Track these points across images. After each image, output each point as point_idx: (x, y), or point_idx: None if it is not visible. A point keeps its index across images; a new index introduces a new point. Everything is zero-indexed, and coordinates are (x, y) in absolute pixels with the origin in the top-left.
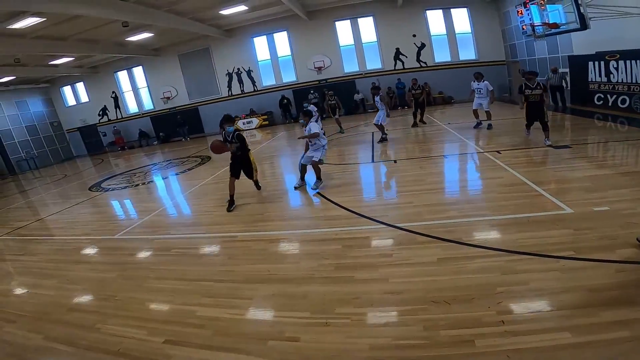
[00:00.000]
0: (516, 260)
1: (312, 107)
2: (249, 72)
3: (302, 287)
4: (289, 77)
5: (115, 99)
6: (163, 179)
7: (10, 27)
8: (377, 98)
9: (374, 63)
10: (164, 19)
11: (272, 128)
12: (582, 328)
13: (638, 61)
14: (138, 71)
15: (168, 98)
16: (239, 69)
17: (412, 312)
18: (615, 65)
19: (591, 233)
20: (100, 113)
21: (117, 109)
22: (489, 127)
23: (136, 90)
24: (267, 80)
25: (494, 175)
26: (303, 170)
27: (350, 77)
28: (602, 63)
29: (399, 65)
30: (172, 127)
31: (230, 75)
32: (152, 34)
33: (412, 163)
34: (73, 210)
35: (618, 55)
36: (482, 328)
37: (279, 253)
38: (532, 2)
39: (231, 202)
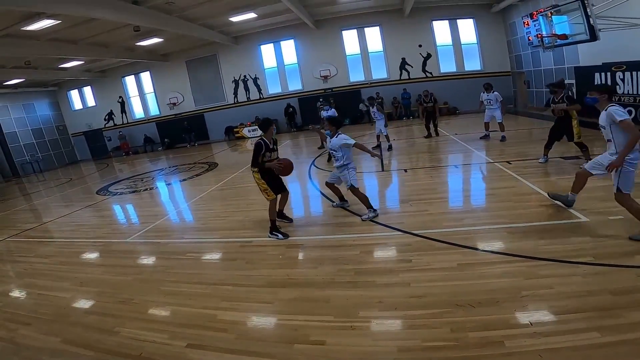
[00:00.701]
0: (538, 266)
1: (332, 112)
2: (255, 80)
3: (324, 291)
4: (295, 85)
5: (122, 103)
6: (171, 184)
7: (24, 28)
8: (373, 109)
9: (379, 73)
10: (175, 25)
11: (277, 136)
12: (611, 328)
13: None
14: (145, 76)
15: (174, 104)
16: (245, 76)
17: (437, 315)
18: (621, 77)
19: (609, 240)
20: (106, 118)
21: (123, 114)
22: (503, 139)
23: (143, 96)
24: (273, 88)
25: (506, 184)
26: (333, 188)
27: (355, 87)
28: (609, 74)
29: (405, 75)
30: (178, 133)
31: (236, 82)
32: (162, 40)
33: (422, 172)
34: (82, 213)
35: (625, 67)
36: (510, 329)
37: (297, 258)
38: (541, 14)
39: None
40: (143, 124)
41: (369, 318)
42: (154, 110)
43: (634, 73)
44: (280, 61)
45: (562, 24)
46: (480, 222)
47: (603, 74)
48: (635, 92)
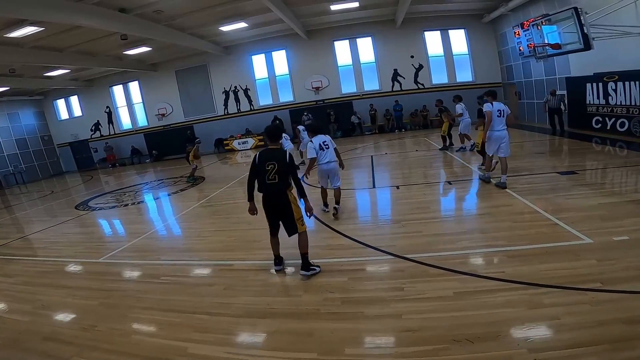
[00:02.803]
0: (541, 294)
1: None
2: (246, 91)
3: (307, 323)
4: (286, 96)
5: (109, 114)
6: (154, 199)
7: (7, 35)
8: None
9: (371, 84)
10: (164, 34)
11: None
12: None
13: (637, 82)
14: (134, 86)
15: (163, 115)
16: (236, 87)
17: (432, 353)
18: (613, 87)
19: (616, 263)
20: (93, 128)
21: (110, 125)
22: (472, 148)
23: (131, 106)
24: (264, 99)
25: (502, 202)
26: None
27: (347, 98)
28: (601, 85)
29: (397, 87)
30: (166, 144)
31: (227, 93)
32: (150, 49)
33: (415, 189)
34: (57, 230)
35: (617, 77)
36: None
37: (279, 284)
38: (533, 23)
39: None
40: (130, 135)
41: (356, 356)
42: (142, 121)
43: (627, 83)
44: (271, 72)
45: (552, 34)
46: (477, 244)
47: (595, 84)
48: (628, 103)
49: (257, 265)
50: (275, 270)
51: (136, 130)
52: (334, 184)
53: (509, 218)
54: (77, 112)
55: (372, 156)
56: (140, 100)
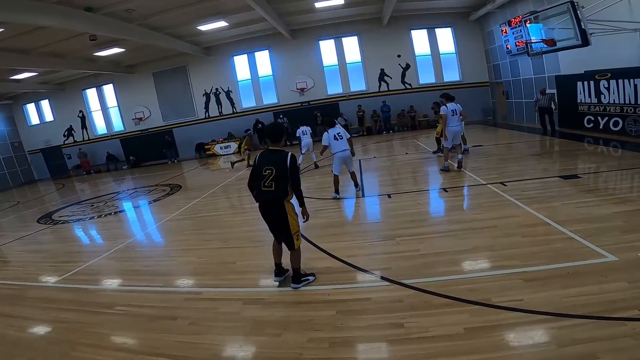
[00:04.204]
0: (571, 327)
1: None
2: (227, 93)
3: None
4: (270, 98)
5: (83, 118)
6: (123, 211)
7: None
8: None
9: (358, 84)
10: (137, 34)
11: (252, 153)
12: None
13: (631, 80)
14: (108, 89)
15: (140, 119)
16: (217, 89)
17: None
18: (606, 85)
19: None
20: (66, 134)
21: (84, 130)
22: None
23: (105, 110)
24: (247, 101)
25: (507, 213)
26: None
27: (334, 99)
28: (592, 83)
29: (384, 87)
30: (144, 150)
31: (207, 95)
32: (124, 50)
33: (408, 198)
34: (12, 247)
35: (609, 74)
36: None
37: (254, 320)
38: (524, 19)
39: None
40: (106, 140)
41: None
42: (117, 125)
43: (619, 81)
44: (254, 73)
45: (543, 31)
46: (486, 265)
47: (586, 82)
48: (621, 102)
49: (229, 293)
50: (275, 281)
51: (111, 136)
52: (349, 168)
53: (518, 231)
54: (49, 117)
55: (360, 160)
56: (116, 104)
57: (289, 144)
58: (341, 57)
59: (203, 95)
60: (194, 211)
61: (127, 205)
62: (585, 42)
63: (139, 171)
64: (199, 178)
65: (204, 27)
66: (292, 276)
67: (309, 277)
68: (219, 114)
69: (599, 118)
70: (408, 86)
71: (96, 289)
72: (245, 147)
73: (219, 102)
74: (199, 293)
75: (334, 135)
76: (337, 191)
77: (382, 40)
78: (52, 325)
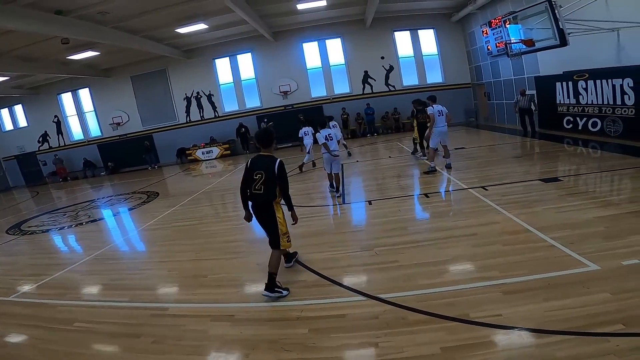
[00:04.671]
0: (553, 343)
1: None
2: (209, 97)
3: None
4: (253, 102)
5: (58, 124)
6: (96, 220)
7: None
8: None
9: (342, 87)
10: (112, 37)
11: (234, 158)
12: None
13: (609, 81)
14: (84, 93)
15: (118, 124)
16: (198, 92)
17: None
18: (584, 86)
19: (635, 297)
20: (40, 139)
21: (60, 135)
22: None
23: (82, 115)
24: (230, 105)
25: (488, 219)
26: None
27: (317, 102)
28: (571, 84)
29: (368, 89)
30: (123, 156)
31: (188, 99)
32: (98, 53)
33: (389, 205)
34: None
35: (587, 75)
36: None
37: (222, 338)
38: (504, 19)
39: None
40: (82, 146)
41: None
42: (94, 131)
43: (597, 82)
44: (236, 76)
45: (521, 32)
46: (465, 277)
47: (564, 83)
48: (599, 102)
49: (197, 309)
50: (285, 267)
51: (88, 141)
52: (334, 170)
53: (499, 239)
54: (23, 122)
55: (342, 165)
56: (92, 109)
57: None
58: (325, 59)
59: (184, 99)
60: (169, 220)
61: (99, 215)
62: (563, 42)
63: (117, 177)
64: (179, 184)
65: (183, 30)
66: (266, 282)
67: (283, 292)
68: (200, 119)
69: (578, 119)
70: (392, 88)
71: (57, 304)
72: None
73: (200, 106)
74: (165, 309)
75: (326, 136)
76: (331, 185)
77: (365, 42)
78: (5, 341)
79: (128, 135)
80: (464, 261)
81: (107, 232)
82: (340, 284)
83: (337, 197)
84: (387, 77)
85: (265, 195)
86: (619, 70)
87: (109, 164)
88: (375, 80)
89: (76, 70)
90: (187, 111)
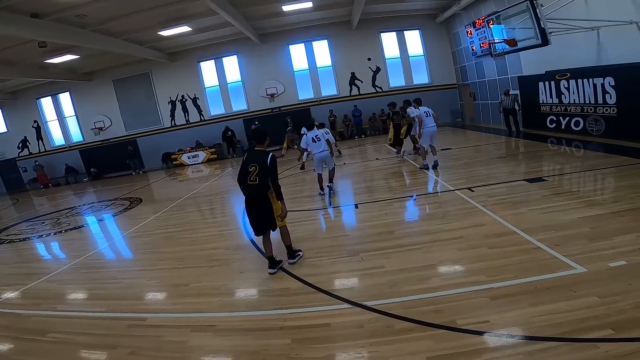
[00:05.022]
0: (541, 351)
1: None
2: (194, 100)
3: None
4: (240, 105)
5: (38, 129)
6: (74, 229)
7: None
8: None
9: (329, 89)
10: (91, 40)
11: (221, 162)
12: None
13: (590, 80)
14: (65, 98)
15: (100, 129)
16: (183, 96)
17: None
18: (566, 85)
19: (623, 300)
20: (20, 145)
21: (40, 141)
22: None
23: (62, 120)
24: (216, 108)
25: (474, 221)
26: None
27: (305, 104)
28: (553, 83)
29: (355, 91)
30: (107, 161)
31: (173, 103)
32: (78, 56)
33: (376, 208)
34: None
35: (569, 74)
36: None
37: (202, 350)
38: (487, 19)
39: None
40: (64, 151)
41: None
42: (76, 136)
43: (579, 81)
44: (222, 79)
45: (504, 32)
46: (452, 282)
47: (547, 83)
48: (581, 102)
49: (177, 319)
50: (269, 273)
51: (70, 147)
52: (329, 167)
53: (485, 242)
54: (1, 127)
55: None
56: (73, 113)
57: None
58: (312, 61)
59: (168, 102)
60: (152, 227)
61: (80, 222)
62: (545, 41)
63: (100, 183)
64: (164, 190)
65: (166, 33)
66: (287, 253)
67: (300, 252)
68: (185, 122)
69: (561, 118)
70: (379, 90)
71: (31, 314)
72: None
73: (185, 110)
74: (143, 319)
75: (312, 138)
76: (321, 188)
77: (352, 44)
78: None
79: (111, 140)
80: (450, 265)
81: (87, 240)
82: (325, 292)
83: (328, 186)
84: (374, 79)
85: (260, 186)
86: (599, 69)
87: (92, 170)
88: (362, 82)
89: (55, 74)
90: (172, 115)
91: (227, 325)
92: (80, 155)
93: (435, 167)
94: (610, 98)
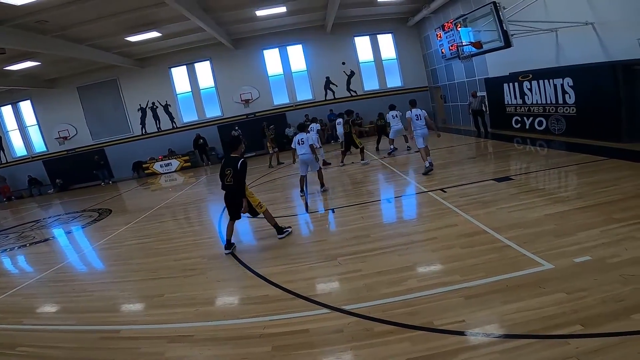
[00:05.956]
0: (515, 349)
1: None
2: (166, 107)
3: None
4: (213, 111)
5: None
6: (39, 243)
7: None
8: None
9: (304, 94)
10: (54, 46)
11: (195, 170)
12: None
13: (551, 80)
14: (25, 106)
15: (65, 138)
16: (154, 103)
17: None
18: (528, 86)
19: (589, 295)
20: None
21: (1, 152)
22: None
23: (24, 129)
24: (188, 115)
25: (447, 222)
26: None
27: (280, 110)
28: (516, 84)
29: (330, 95)
30: (73, 172)
31: (143, 110)
32: (39, 63)
33: (352, 211)
34: None
35: (531, 76)
36: None
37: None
38: (455, 22)
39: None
40: (26, 162)
41: None
42: (39, 146)
43: (540, 82)
44: (195, 85)
45: (471, 34)
46: (427, 283)
47: (511, 84)
48: (543, 102)
49: (153, 330)
50: (225, 253)
51: (32, 157)
52: (313, 169)
53: (457, 242)
54: None
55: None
56: (35, 122)
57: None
58: (286, 66)
59: (138, 110)
60: (123, 238)
61: (45, 235)
62: (507, 43)
63: (67, 195)
64: (135, 200)
65: (134, 38)
66: (276, 231)
67: (288, 229)
68: (157, 130)
69: (525, 118)
70: (353, 93)
71: None
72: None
73: (156, 117)
74: (117, 331)
75: (298, 140)
76: (301, 190)
77: (326, 48)
78: None
79: (77, 150)
80: (425, 267)
81: (54, 254)
82: (303, 297)
83: (323, 191)
84: (348, 83)
85: (235, 186)
86: (559, 70)
87: (57, 181)
88: (337, 86)
89: (15, 81)
90: (142, 123)
91: (205, 335)
92: (44, 166)
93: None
94: (570, 98)
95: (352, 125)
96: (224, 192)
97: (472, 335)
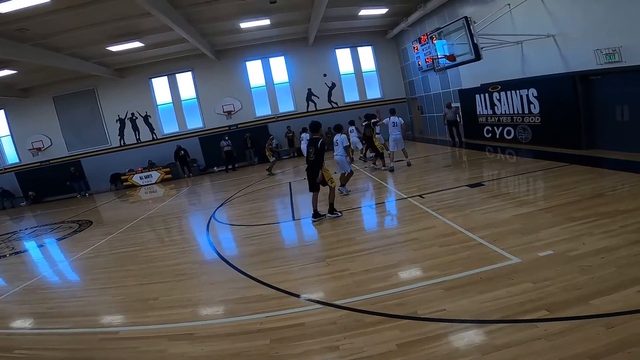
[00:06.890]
0: (490, 332)
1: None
2: (146, 118)
3: None
4: (195, 123)
5: None
6: (22, 252)
7: None
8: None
9: (286, 105)
10: (32, 55)
11: (176, 182)
12: None
13: (517, 91)
14: None
15: (39, 149)
16: (133, 114)
17: None
18: (498, 97)
19: (552, 285)
20: None
21: None
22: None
23: None
24: (169, 127)
25: (426, 224)
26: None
27: (262, 121)
28: (487, 95)
29: (312, 107)
30: (47, 184)
31: (122, 121)
32: (16, 72)
33: (337, 218)
34: None
35: (499, 87)
36: None
37: (182, 357)
38: (430, 35)
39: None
40: None
41: None
42: (11, 157)
43: (508, 93)
44: (176, 96)
45: (446, 47)
46: (410, 278)
47: (482, 95)
48: (511, 112)
49: (151, 331)
50: (312, 222)
51: (4, 169)
52: (341, 170)
53: (436, 242)
54: None
55: (290, 183)
56: (8, 133)
57: (231, 167)
58: (269, 77)
59: (117, 120)
60: (107, 248)
61: (23, 247)
62: (477, 56)
63: (41, 207)
64: (115, 212)
65: (115, 48)
66: (328, 209)
67: (339, 213)
68: (136, 141)
69: (495, 128)
70: (334, 105)
71: None
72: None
73: (135, 128)
74: (115, 333)
75: (334, 141)
76: (342, 186)
77: (308, 60)
78: None
79: (51, 162)
80: (407, 264)
81: (36, 263)
82: (296, 295)
83: (344, 194)
84: (329, 94)
85: (315, 161)
86: (525, 81)
87: (30, 194)
88: (318, 98)
89: None
90: (121, 134)
91: (205, 332)
92: (16, 177)
93: (408, 165)
94: (535, 108)
95: (372, 127)
96: (307, 166)
97: (452, 321)
